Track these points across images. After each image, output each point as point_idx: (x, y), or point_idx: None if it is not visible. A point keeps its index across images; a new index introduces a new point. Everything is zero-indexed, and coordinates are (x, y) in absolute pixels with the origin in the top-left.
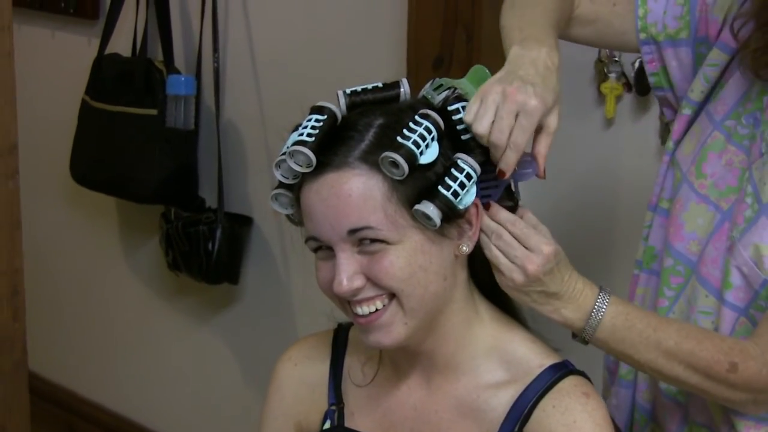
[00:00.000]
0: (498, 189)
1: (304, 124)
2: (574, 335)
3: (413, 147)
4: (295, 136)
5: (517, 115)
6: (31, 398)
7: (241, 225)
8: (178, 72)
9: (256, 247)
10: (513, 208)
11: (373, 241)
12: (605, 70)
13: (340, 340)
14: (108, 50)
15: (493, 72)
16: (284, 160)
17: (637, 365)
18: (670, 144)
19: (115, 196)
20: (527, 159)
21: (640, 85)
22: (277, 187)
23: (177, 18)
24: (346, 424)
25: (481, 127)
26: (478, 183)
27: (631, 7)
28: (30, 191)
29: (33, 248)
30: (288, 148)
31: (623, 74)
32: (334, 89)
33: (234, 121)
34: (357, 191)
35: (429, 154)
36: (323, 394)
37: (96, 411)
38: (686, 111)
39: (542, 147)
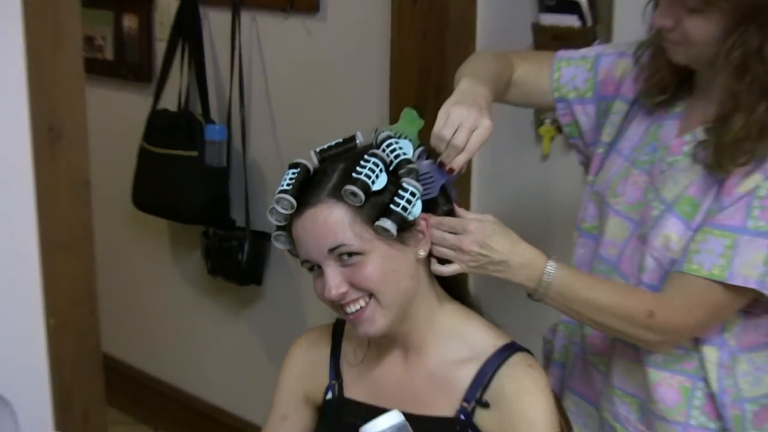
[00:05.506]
0: (434, 186)
1: (284, 177)
2: (529, 295)
3: (365, 179)
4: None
5: (473, 130)
6: (105, 379)
7: (264, 240)
8: (213, 122)
9: (275, 256)
10: (451, 210)
11: (350, 255)
12: (541, 117)
13: (338, 331)
14: (159, 106)
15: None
16: (274, 207)
17: (578, 317)
18: (590, 177)
19: (167, 219)
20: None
21: None
22: (276, 231)
23: (212, 80)
24: (345, 395)
25: (447, 133)
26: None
27: (551, 73)
28: (101, 215)
29: (103, 259)
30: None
31: (555, 120)
32: (335, 133)
33: (257, 160)
34: (330, 219)
35: (379, 182)
36: (325, 372)
37: (158, 384)
38: (600, 150)
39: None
